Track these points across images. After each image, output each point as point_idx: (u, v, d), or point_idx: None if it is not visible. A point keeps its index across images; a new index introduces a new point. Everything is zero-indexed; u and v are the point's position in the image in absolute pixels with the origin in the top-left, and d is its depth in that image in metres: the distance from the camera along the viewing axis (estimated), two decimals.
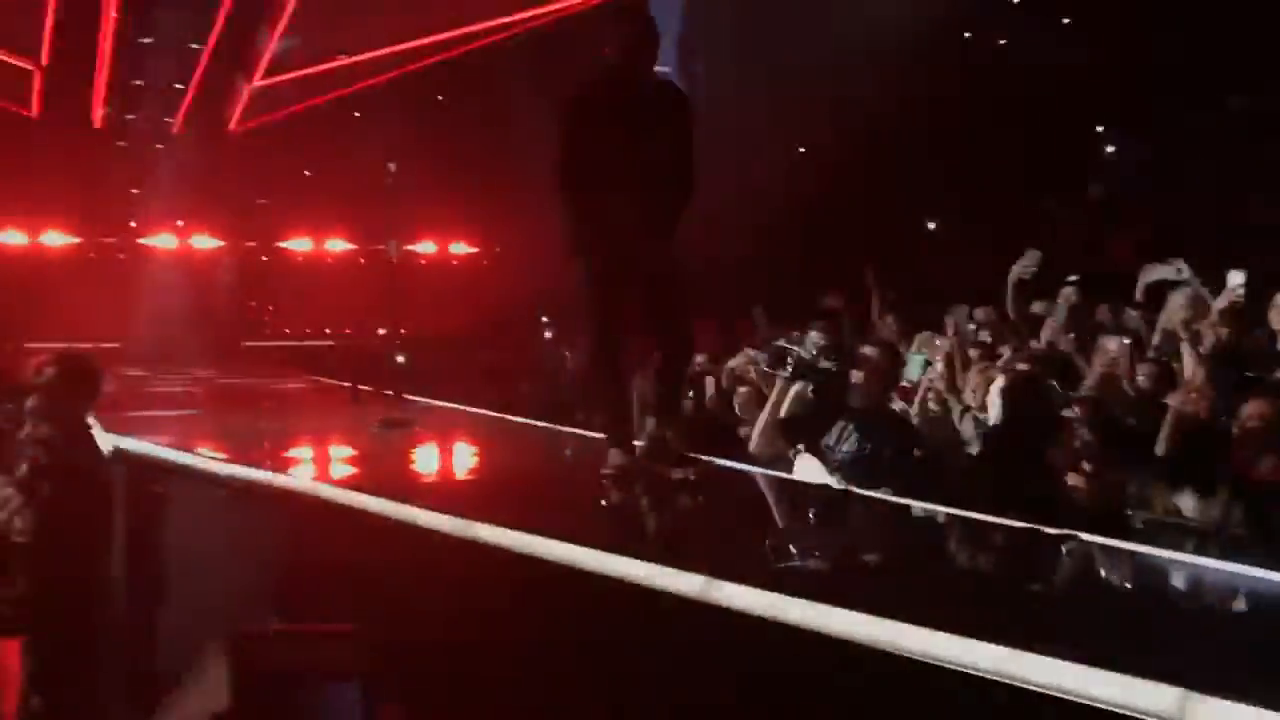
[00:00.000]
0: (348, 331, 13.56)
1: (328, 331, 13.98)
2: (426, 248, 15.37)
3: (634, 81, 4.48)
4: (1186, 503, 4.50)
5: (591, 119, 4.43)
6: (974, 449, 5.37)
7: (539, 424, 6.78)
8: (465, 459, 6.33)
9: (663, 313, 4.54)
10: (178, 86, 12.47)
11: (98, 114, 12.73)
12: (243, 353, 13.02)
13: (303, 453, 6.22)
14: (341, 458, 6.11)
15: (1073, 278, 7.13)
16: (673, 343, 4.58)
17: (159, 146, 13.37)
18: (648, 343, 4.74)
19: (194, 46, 11.58)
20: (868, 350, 5.32)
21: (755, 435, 5.55)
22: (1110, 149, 14.20)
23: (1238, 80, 11.67)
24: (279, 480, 4.88)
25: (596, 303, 4.52)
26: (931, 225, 15.20)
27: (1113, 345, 6.20)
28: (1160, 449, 4.86)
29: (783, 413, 5.47)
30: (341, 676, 3.83)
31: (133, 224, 13.59)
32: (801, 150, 14.95)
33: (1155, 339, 6.70)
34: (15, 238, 13.17)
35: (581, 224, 4.47)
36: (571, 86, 4.62)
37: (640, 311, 4.57)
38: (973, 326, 7.35)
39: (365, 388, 8.77)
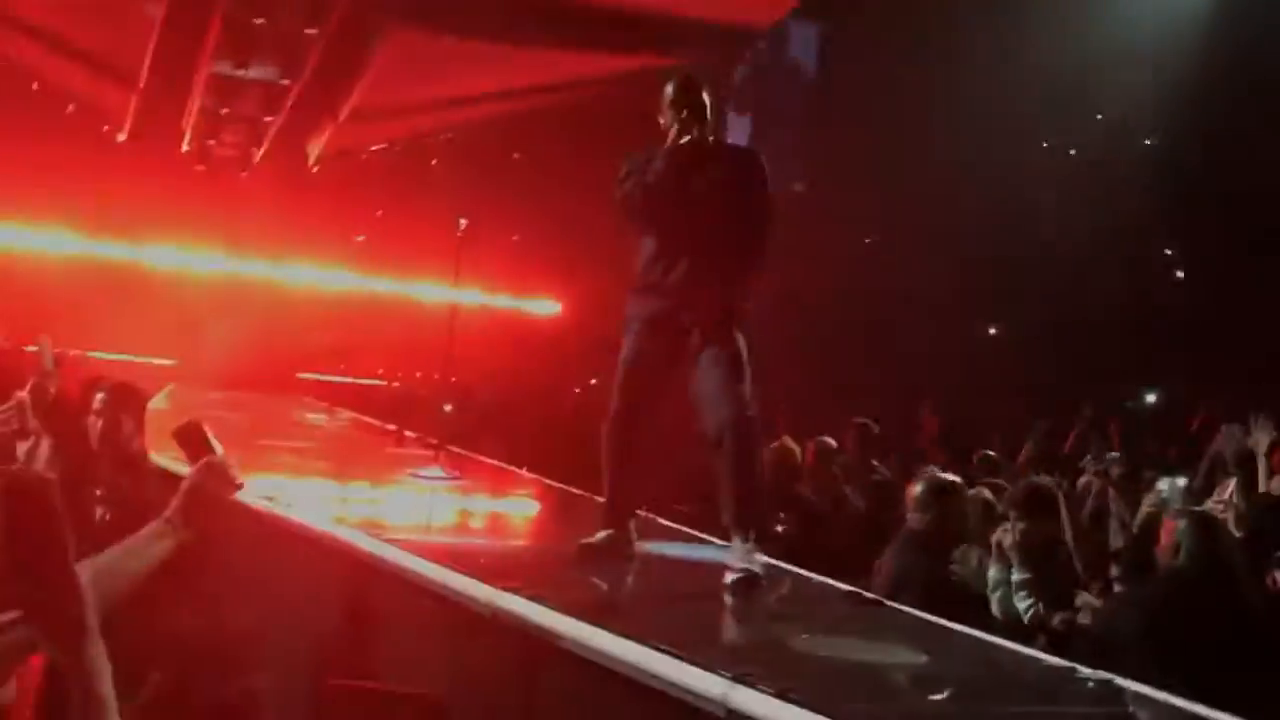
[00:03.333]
0: (400, 375, 13.70)
1: (380, 372, 14.14)
2: (497, 301, 15.49)
3: (694, 145, 4.46)
4: None
5: (637, 185, 4.43)
6: None
7: (569, 489, 6.74)
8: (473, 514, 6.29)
9: (708, 393, 4.40)
10: (265, 120, 12.76)
11: (184, 140, 13.07)
12: (297, 384, 13.17)
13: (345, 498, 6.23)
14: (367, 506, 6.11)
15: None
16: (720, 430, 4.37)
17: (241, 175, 13.68)
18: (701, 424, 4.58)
19: (283, 82, 11.86)
20: None
21: None
22: None
23: None
24: (318, 530, 4.89)
25: (624, 374, 4.48)
26: None
27: None
28: None
29: None
30: None
31: (205, 247, 13.87)
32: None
33: None
34: (87, 249, 13.50)
35: (636, 291, 4.46)
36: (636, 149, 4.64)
37: (695, 388, 4.46)
38: None
39: (411, 434, 8.82)
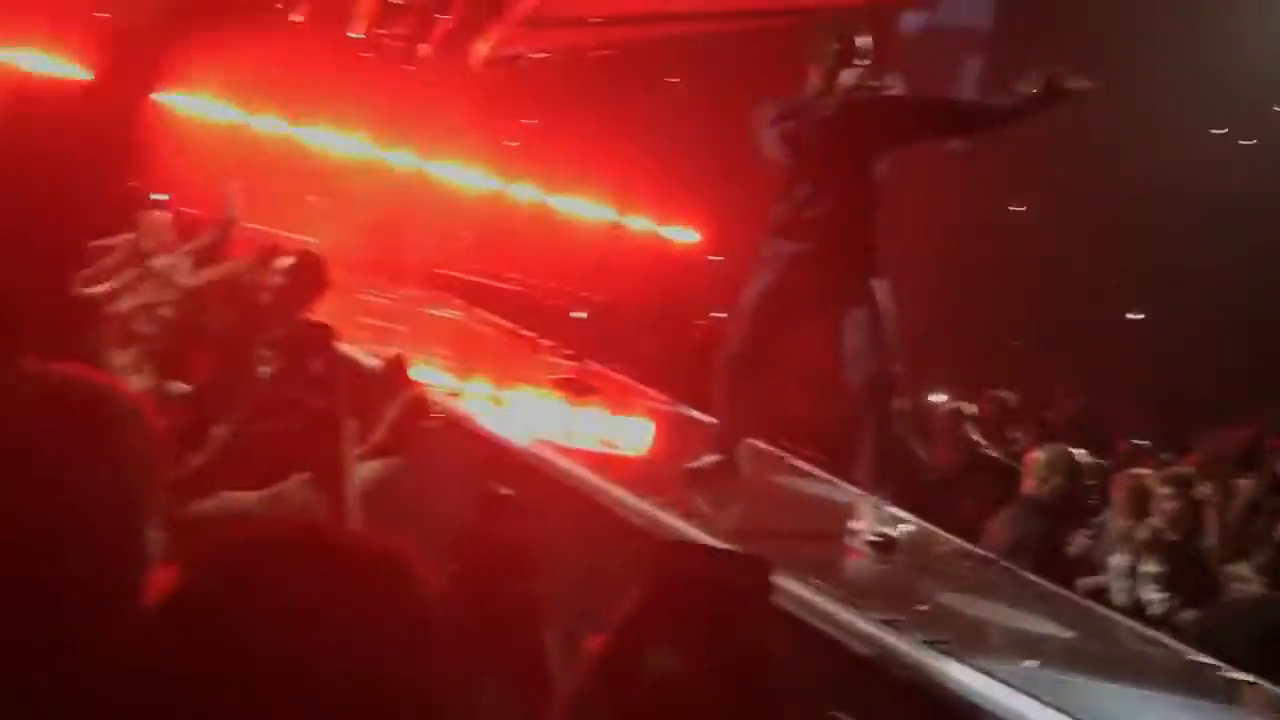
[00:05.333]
0: (535, 284, 13.88)
1: (515, 278, 14.33)
2: (640, 223, 15.53)
3: (835, 96, 4.40)
4: None
5: (792, 129, 4.38)
6: None
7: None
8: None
9: (852, 342, 4.41)
10: (436, 15, 12.90)
11: (357, 25, 13.29)
12: (434, 278, 13.44)
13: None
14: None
15: None
16: (862, 380, 4.42)
17: (407, 66, 13.88)
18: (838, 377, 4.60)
19: None
20: None
21: None
22: None
23: None
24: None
25: (754, 307, 4.46)
26: None
27: None
28: None
29: None
30: None
31: (362, 134, 14.14)
32: None
33: None
34: (270, 124, 13.86)
35: (779, 229, 4.46)
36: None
37: (838, 337, 4.47)
38: None
39: (546, 342, 8.98)
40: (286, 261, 4.89)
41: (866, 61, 4.52)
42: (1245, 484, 6.16)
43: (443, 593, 1.40)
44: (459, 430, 4.97)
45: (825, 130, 4.45)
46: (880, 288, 4.48)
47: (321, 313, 5.45)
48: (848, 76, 4.50)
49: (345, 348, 4.93)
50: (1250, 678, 3.70)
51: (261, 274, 4.89)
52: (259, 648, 0.97)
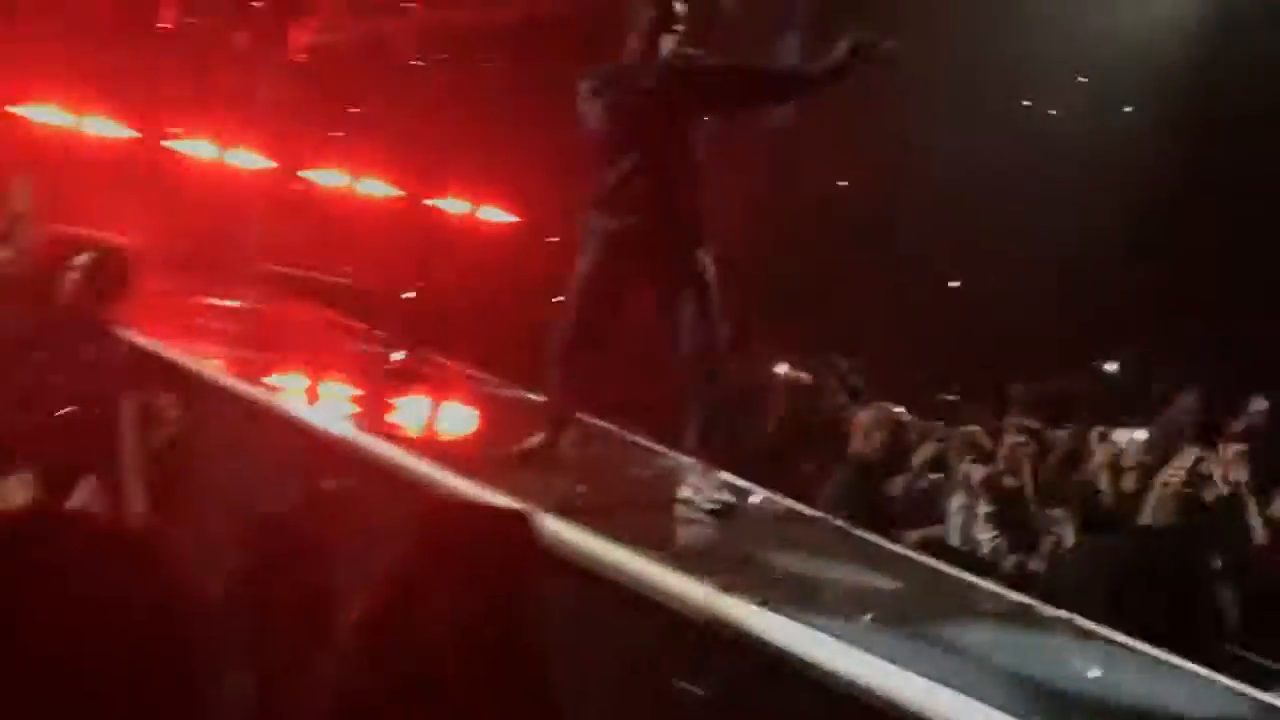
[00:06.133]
0: (357, 271, 13.55)
1: (346, 269, 13.98)
2: (457, 205, 15.35)
3: (653, 65, 4.41)
4: None
5: (612, 100, 4.38)
6: None
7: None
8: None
9: (681, 317, 4.40)
10: (253, 3, 12.47)
11: (165, 16, 12.74)
12: (262, 276, 13.03)
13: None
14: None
15: None
16: (692, 353, 4.41)
17: (220, 59, 13.37)
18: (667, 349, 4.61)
19: None
20: None
21: None
22: None
23: None
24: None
25: (580, 287, 4.44)
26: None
27: None
28: None
29: None
30: None
31: (176, 129, 13.57)
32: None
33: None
34: (58, 118, 13.15)
35: (600, 204, 4.42)
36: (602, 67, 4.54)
37: (658, 308, 4.46)
38: None
39: (379, 332, 8.81)
40: (84, 258, 4.64)
41: (683, 28, 4.47)
42: (1059, 435, 6.47)
43: (228, 578, 1.34)
44: (285, 424, 4.83)
45: (647, 98, 4.40)
46: (705, 259, 4.49)
47: (137, 311, 5.22)
48: (666, 43, 4.44)
49: (134, 336, 4.72)
50: (1065, 614, 3.88)
51: (58, 270, 4.63)
52: None
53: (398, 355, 7.36)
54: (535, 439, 4.57)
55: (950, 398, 8.27)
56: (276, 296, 11.51)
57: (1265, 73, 11.07)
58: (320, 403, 5.41)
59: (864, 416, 5.70)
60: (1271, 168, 11.26)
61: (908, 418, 6.08)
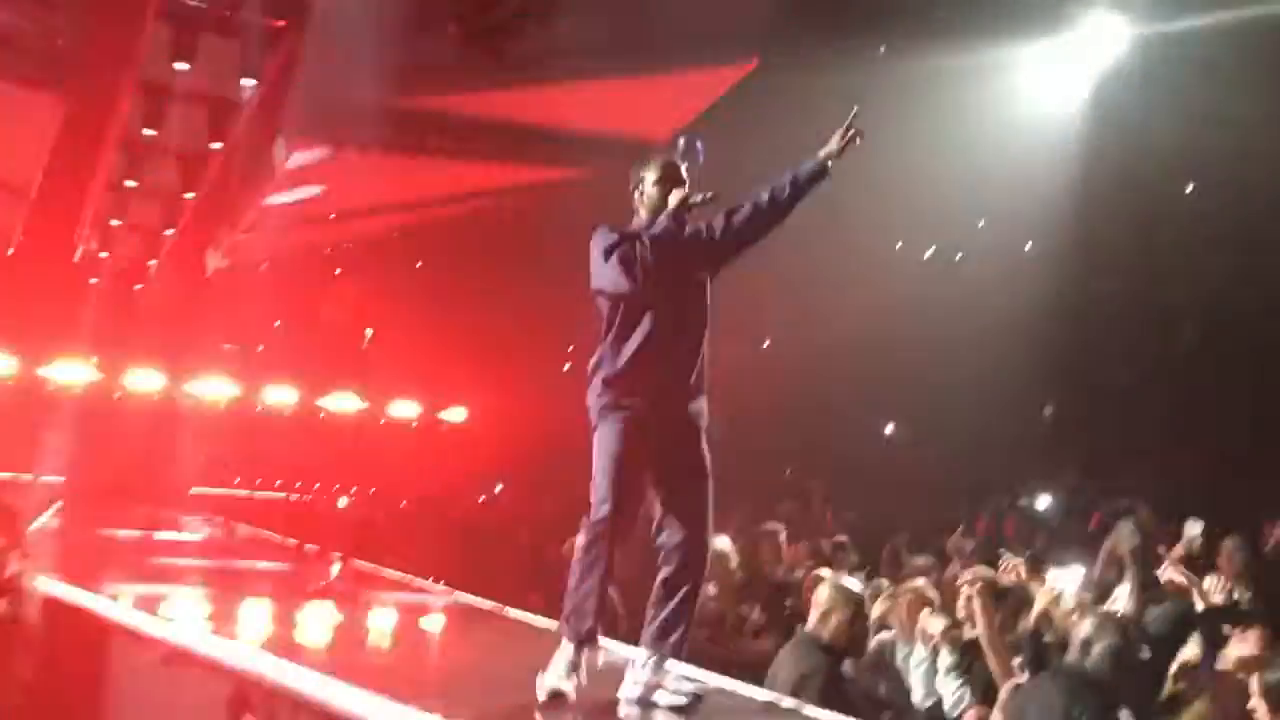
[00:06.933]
0: (299, 486, 13.42)
1: (279, 484, 13.83)
2: (404, 409, 15.27)
3: (668, 228, 4.21)
4: None
5: (633, 258, 4.10)
6: None
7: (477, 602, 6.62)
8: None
9: (684, 507, 4.10)
10: (164, 232, 12.63)
11: (76, 250, 12.84)
12: (191, 500, 12.82)
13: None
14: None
15: None
16: (688, 548, 4.10)
17: (136, 287, 13.46)
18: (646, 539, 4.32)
19: (182, 194, 11.78)
20: None
21: None
22: None
23: None
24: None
25: (616, 468, 4.03)
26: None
27: None
28: None
29: None
30: None
31: (95, 359, 13.52)
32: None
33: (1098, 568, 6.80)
34: None
35: (618, 377, 4.14)
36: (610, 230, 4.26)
37: (653, 499, 4.15)
38: None
39: (311, 546, 8.64)
40: None
41: (686, 180, 4.36)
42: (1003, 578, 6.41)
43: None
44: (204, 664, 4.65)
45: (664, 248, 4.13)
46: (706, 446, 4.29)
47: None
48: (675, 197, 4.32)
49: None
50: None
51: None
52: None
53: (334, 569, 7.20)
54: (558, 673, 4.01)
55: (898, 548, 8.26)
56: (203, 521, 11.30)
57: (1150, 197, 11.58)
58: (240, 634, 5.23)
59: (821, 594, 5.55)
60: (1172, 293, 11.66)
61: (864, 591, 5.96)
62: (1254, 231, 11.15)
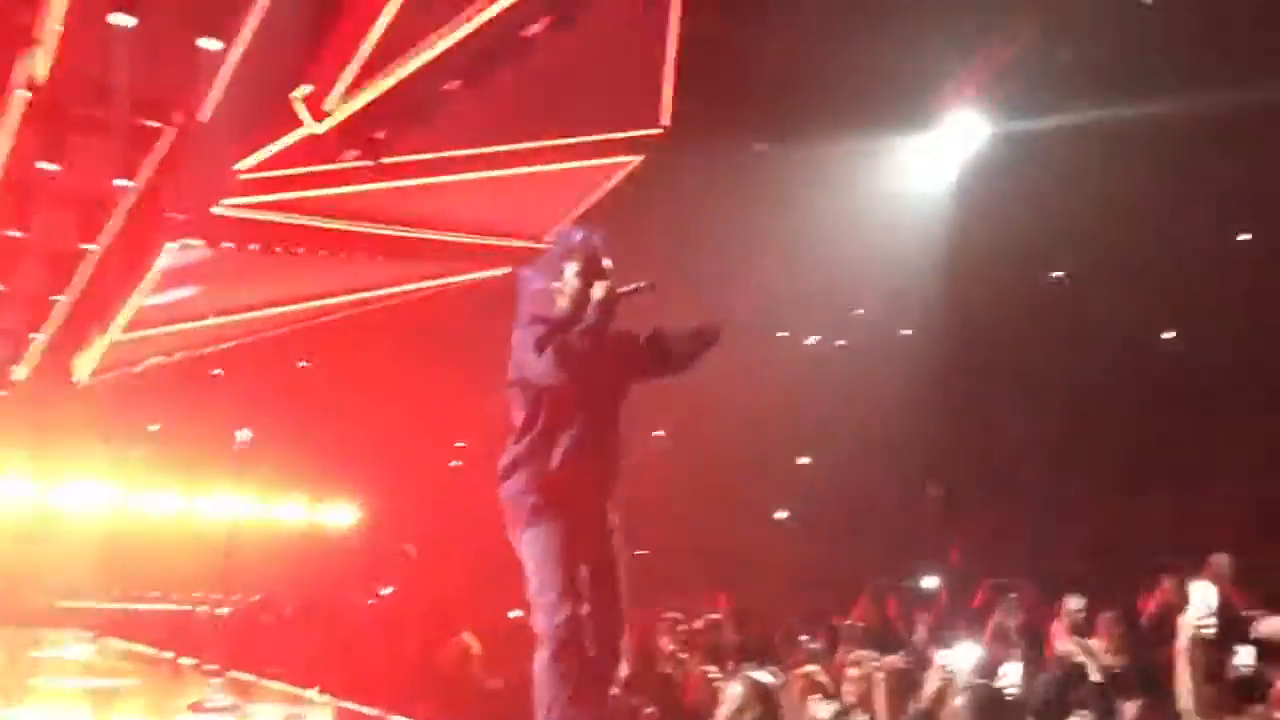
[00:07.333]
0: (179, 596, 12.92)
1: (156, 595, 13.31)
2: (289, 511, 14.93)
3: (598, 322, 4.13)
4: None
5: (566, 357, 4.00)
6: None
7: (368, 712, 6.45)
8: None
9: (603, 601, 4.01)
10: (31, 336, 12.22)
11: None
12: (56, 613, 12.25)
13: None
14: None
15: None
16: (610, 641, 4.03)
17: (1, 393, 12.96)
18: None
19: (52, 298, 11.44)
20: None
21: None
22: None
23: None
24: None
25: (565, 570, 3.90)
26: None
27: None
28: None
29: None
30: None
31: None
32: None
33: None
34: None
35: (553, 477, 4.03)
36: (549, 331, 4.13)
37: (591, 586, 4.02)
38: None
39: (188, 661, 8.32)
40: None
41: (609, 269, 4.29)
42: (890, 660, 6.46)
43: None
44: None
45: (596, 343, 4.04)
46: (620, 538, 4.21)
47: None
48: (600, 289, 4.25)
49: None
50: None
51: None
52: None
53: (214, 688, 6.90)
54: None
55: (793, 628, 8.31)
56: (73, 637, 10.79)
57: (1011, 282, 12.06)
58: None
59: (733, 691, 5.49)
60: (1040, 373, 12.07)
61: (778, 682, 5.91)
62: (1108, 311, 11.74)
